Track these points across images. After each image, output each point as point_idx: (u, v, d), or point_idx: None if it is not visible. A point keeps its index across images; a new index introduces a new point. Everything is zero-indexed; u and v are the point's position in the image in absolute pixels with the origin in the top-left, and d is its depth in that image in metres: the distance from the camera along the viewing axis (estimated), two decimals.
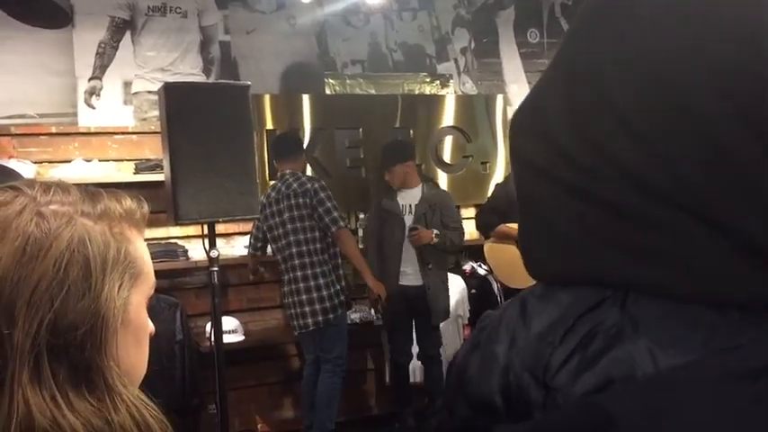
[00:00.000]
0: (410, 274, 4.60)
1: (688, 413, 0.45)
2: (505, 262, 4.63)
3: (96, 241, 0.78)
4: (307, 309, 4.24)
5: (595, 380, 0.51)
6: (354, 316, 4.89)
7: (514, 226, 4.53)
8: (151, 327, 0.86)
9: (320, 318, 4.21)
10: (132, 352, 0.81)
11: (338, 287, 4.26)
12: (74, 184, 0.83)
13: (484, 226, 4.76)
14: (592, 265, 0.55)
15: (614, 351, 0.51)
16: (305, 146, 4.66)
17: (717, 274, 0.49)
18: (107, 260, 0.78)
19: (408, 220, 4.62)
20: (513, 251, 4.59)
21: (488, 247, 4.75)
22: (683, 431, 0.45)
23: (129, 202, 0.85)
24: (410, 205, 4.65)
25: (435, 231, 4.55)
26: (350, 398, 5.11)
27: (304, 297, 4.24)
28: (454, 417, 0.64)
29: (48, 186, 0.80)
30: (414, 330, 4.72)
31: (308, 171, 4.95)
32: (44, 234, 0.75)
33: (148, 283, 0.85)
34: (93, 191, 0.84)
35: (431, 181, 4.93)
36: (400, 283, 4.58)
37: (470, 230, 5.47)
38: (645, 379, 0.49)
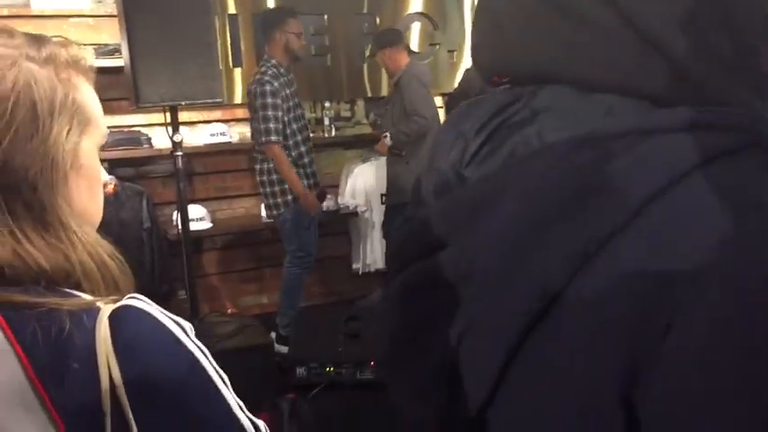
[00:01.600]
0: None
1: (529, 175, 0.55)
2: None
3: (42, 85, 0.78)
4: (263, 202, 4.38)
5: (495, 164, 0.59)
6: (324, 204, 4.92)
7: None
8: (104, 176, 0.88)
9: (274, 212, 4.29)
10: (85, 196, 0.83)
11: (286, 185, 4.19)
12: (18, 31, 0.82)
13: (451, 110, 4.77)
14: (521, 59, 0.62)
15: (512, 138, 0.59)
16: (298, 23, 4.38)
17: (630, 69, 0.56)
18: (54, 104, 0.78)
19: None
20: None
21: None
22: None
23: (75, 49, 0.85)
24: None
25: (386, 134, 4.51)
26: (318, 284, 5.26)
27: (260, 190, 4.33)
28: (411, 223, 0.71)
29: None
30: None
31: None
32: None
33: (99, 130, 0.86)
34: (38, 36, 0.83)
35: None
36: None
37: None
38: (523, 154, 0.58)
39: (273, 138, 4.07)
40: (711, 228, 0.48)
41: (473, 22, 0.70)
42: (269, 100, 4.04)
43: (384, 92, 5.51)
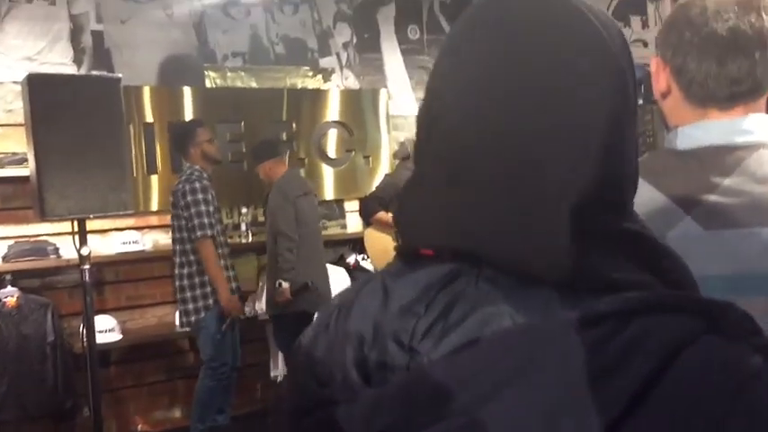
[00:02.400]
0: None
1: (543, 354, 0.54)
2: (382, 249, 4.78)
3: None
4: (180, 308, 4.28)
5: (458, 339, 0.58)
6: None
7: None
8: None
9: (192, 317, 4.20)
10: None
11: (208, 289, 4.17)
12: None
13: (365, 213, 4.89)
14: (452, 239, 0.63)
15: (475, 315, 0.59)
16: (206, 130, 4.45)
17: (551, 260, 0.59)
18: None
19: None
20: (388, 239, 4.73)
21: (367, 232, 4.91)
22: (544, 372, 0.54)
23: None
24: None
25: (279, 282, 4.47)
26: (237, 392, 5.07)
27: (178, 296, 4.26)
28: (303, 396, 0.66)
29: None
30: None
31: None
32: None
33: None
34: None
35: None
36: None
37: (355, 224, 5.55)
38: (504, 330, 0.58)
39: (209, 232, 4.07)
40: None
41: (403, 198, 0.71)
42: (200, 196, 4.09)
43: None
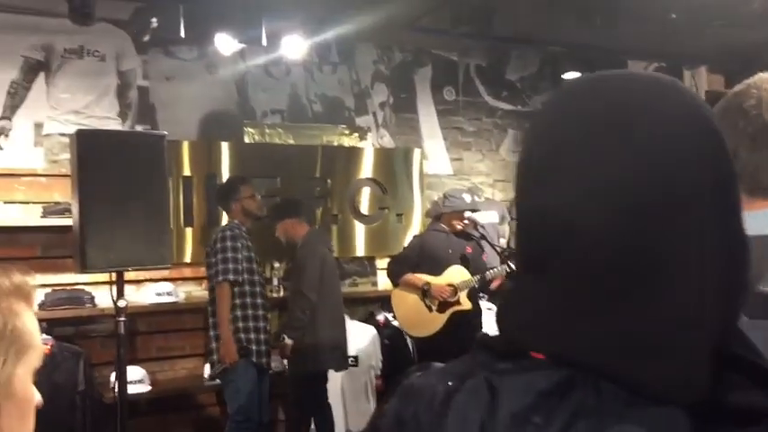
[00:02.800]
0: None
1: None
2: (408, 310, 4.77)
3: None
4: (209, 358, 4.30)
5: None
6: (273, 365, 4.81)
7: (422, 276, 4.68)
8: (38, 398, 0.87)
9: (216, 370, 4.20)
10: (16, 424, 0.82)
11: (237, 337, 4.17)
12: None
13: (393, 274, 4.88)
14: (567, 345, 0.60)
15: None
16: (249, 187, 4.54)
17: (676, 381, 0.57)
18: None
19: None
20: (415, 300, 4.72)
21: (394, 293, 4.88)
22: None
23: (18, 277, 0.87)
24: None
25: (282, 337, 4.52)
26: None
27: (211, 345, 4.26)
28: None
29: None
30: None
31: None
32: None
33: (36, 355, 0.86)
34: None
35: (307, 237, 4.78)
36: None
37: (385, 281, 5.55)
38: None
39: (231, 276, 4.13)
40: None
41: (512, 297, 0.67)
42: (228, 243, 4.18)
43: (335, 253, 5.60)
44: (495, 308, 5.62)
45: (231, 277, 4.12)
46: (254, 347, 4.21)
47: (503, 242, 5.99)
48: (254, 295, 4.29)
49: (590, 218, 0.59)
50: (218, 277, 4.14)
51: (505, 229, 6.11)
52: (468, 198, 4.81)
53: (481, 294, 5.47)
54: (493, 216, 5.90)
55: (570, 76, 5.94)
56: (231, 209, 4.39)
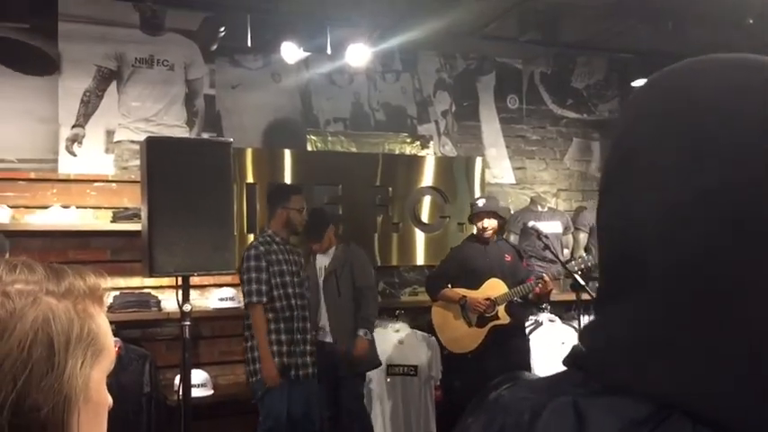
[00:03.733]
0: (326, 332, 4.61)
1: None
2: (448, 326, 4.71)
3: (60, 319, 0.79)
4: (246, 368, 4.33)
5: None
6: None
7: (459, 290, 4.61)
8: (109, 400, 0.88)
9: (252, 378, 4.22)
10: (92, 427, 0.82)
11: (256, 353, 4.16)
12: (40, 263, 0.85)
13: (430, 290, 4.83)
14: (666, 380, 0.55)
15: None
16: (301, 199, 4.56)
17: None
18: (70, 338, 0.80)
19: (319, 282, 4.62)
20: (454, 315, 4.66)
21: (434, 310, 4.83)
22: None
23: (92, 279, 0.87)
24: (324, 267, 4.67)
25: (365, 332, 4.53)
26: None
27: (246, 355, 4.28)
28: None
29: (13, 265, 0.82)
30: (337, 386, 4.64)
31: None
32: (9, 314, 0.76)
33: (109, 358, 0.86)
34: (57, 268, 0.86)
35: (347, 242, 4.82)
36: (318, 339, 4.56)
37: None
38: None
39: (255, 299, 4.13)
40: None
41: (608, 324, 0.61)
42: (252, 263, 4.18)
43: (395, 261, 5.60)
44: (556, 319, 5.51)
45: (255, 299, 4.12)
46: (292, 371, 4.18)
47: (566, 253, 5.87)
48: (290, 309, 4.22)
49: (688, 229, 0.53)
50: (245, 300, 4.18)
51: (569, 239, 5.98)
52: (481, 202, 4.76)
53: (544, 306, 5.38)
54: (556, 226, 5.79)
55: (639, 82, 5.80)
56: (277, 213, 4.34)
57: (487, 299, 4.56)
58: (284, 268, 4.25)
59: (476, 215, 4.72)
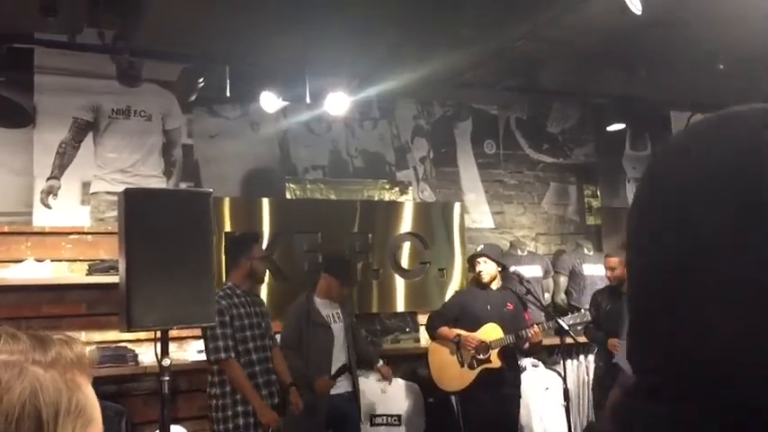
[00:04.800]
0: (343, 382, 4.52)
1: None
2: (441, 363, 4.73)
3: (48, 390, 0.77)
4: (210, 427, 4.16)
5: None
6: None
7: (456, 330, 4.62)
8: None
9: None
10: None
11: (229, 413, 4.04)
12: (24, 331, 0.82)
13: (430, 327, 4.88)
14: None
15: None
16: (261, 248, 4.51)
17: None
18: (59, 410, 0.77)
19: (335, 329, 4.55)
20: (448, 353, 4.66)
21: (431, 346, 4.88)
22: None
23: (79, 347, 0.84)
24: (335, 314, 4.61)
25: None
26: None
27: (211, 414, 4.15)
28: None
29: None
30: None
31: (267, 275, 4.86)
32: None
33: (97, 427, 0.83)
34: (42, 336, 0.83)
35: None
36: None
37: (427, 338, 5.45)
38: None
39: (224, 355, 4.00)
40: None
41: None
42: (216, 319, 3.95)
43: (376, 308, 5.55)
44: (540, 364, 5.48)
45: (224, 355, 4.00)
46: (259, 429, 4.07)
47: (547, 296, 5.87)
48: (251, 364, 4.11)
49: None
50: (211, 357, 4.03)
51: (549, 283, 5.99)
52: (479, 248, 4.99)
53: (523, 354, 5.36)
54: (536, 270, 5.80)
55: (614, 127, 5.90)
56: (240, 264, 4.23)
57: (482, 341, 4.56)
58: (245, 322, 4.13)
59: (471, 258, 4.87)
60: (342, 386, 4.49)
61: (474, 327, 4.66)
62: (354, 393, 4.56)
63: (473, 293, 4.81)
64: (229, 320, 4.06)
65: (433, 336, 4.84)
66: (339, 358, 4.50)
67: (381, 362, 4.73)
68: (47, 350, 0.80)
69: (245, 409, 4.05)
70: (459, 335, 4.64)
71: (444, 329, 4.73)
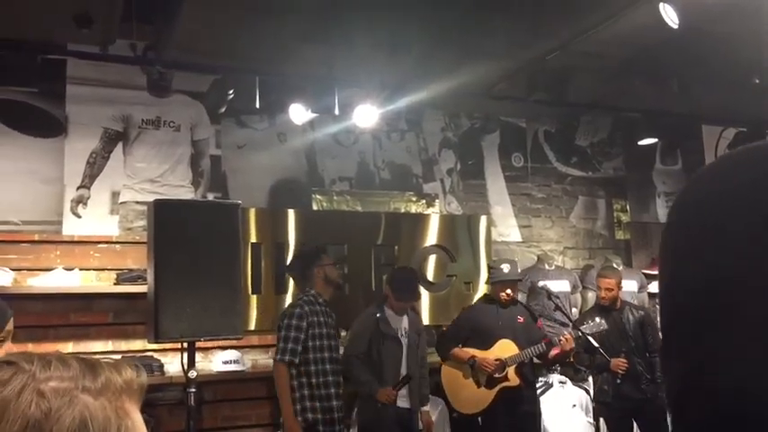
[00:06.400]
0: (402, 396, 4.48)
1: None
2: (457, 386, 4.64)
3: (97, 420, 0.75)
4: None
5: None
6: None
7: (469, 350, 4.53)
8: None
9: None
10: None
11: (304, 417, 4.07)
12: (73, 356, 0.81)
13: (441, 349, 4.76)
14: None
15: None
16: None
17: None
18: None
19: (402, 341, 4.51)
20: (464, 375, 4.58)
21: (443, 369, 4.77)
22: None
23: (128, 373, 0.83)
24: (403, 327, 4.57)
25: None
26: None
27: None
28: None
29: (47, 360, 0.78)
30: None
31: (290, 287, 4.88)
32: (44, 415, 0.72)
33: None
34: (91, 361, 0.82)
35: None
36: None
37: None
38: None
39: (285, 357, 4.03)
40: None
41: None
42: (293, 321, 4.08)
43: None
44: (567, 381, 5.39)
45: (287, 358, 4.04)
46: (320, 428, 4.08)
47: (575, 312, 5.78)
48: (324, 374, 4.15)
49: None
50: (276, 356, 4.10)
51: (577, 298, 5.91)
52: (506, 269, 4.68)
53: (554, 367, 5.28)
54: (564, 285, 5.72)
55: (645, 141, 5.83)
56: (312, 275, 4.29)
57: (497, 359, 4.48)
58: (323, 331, 4.19)
59: (500, 283, 4.62)
60: (403, 401, 4.43)
61: (486, 344, 4.56)
62: (411, 411, 4.46)
63: (483, 310, 4.71)
64: (306, 327, 4.11)
65: (446, 357, 4.71)
66: (403, 371, 4.46)
67: (428, 408, 4.60)
68: (96, 377, 0.79)
69: (315, 405, 4.09)
70: (474, 357, 4.52)
71: (457, 351, 4.61)
